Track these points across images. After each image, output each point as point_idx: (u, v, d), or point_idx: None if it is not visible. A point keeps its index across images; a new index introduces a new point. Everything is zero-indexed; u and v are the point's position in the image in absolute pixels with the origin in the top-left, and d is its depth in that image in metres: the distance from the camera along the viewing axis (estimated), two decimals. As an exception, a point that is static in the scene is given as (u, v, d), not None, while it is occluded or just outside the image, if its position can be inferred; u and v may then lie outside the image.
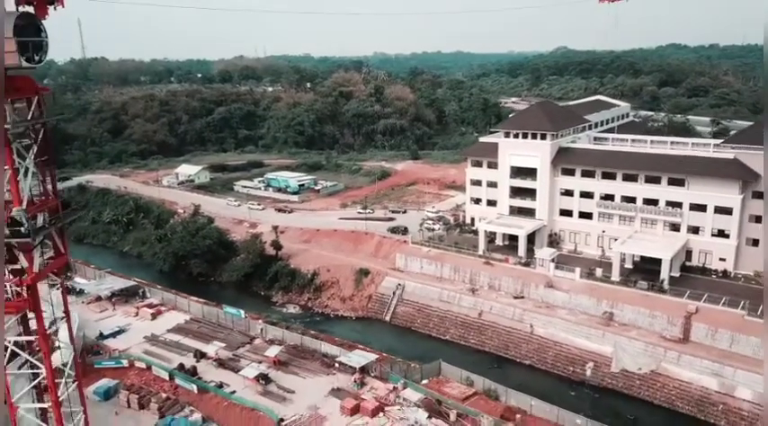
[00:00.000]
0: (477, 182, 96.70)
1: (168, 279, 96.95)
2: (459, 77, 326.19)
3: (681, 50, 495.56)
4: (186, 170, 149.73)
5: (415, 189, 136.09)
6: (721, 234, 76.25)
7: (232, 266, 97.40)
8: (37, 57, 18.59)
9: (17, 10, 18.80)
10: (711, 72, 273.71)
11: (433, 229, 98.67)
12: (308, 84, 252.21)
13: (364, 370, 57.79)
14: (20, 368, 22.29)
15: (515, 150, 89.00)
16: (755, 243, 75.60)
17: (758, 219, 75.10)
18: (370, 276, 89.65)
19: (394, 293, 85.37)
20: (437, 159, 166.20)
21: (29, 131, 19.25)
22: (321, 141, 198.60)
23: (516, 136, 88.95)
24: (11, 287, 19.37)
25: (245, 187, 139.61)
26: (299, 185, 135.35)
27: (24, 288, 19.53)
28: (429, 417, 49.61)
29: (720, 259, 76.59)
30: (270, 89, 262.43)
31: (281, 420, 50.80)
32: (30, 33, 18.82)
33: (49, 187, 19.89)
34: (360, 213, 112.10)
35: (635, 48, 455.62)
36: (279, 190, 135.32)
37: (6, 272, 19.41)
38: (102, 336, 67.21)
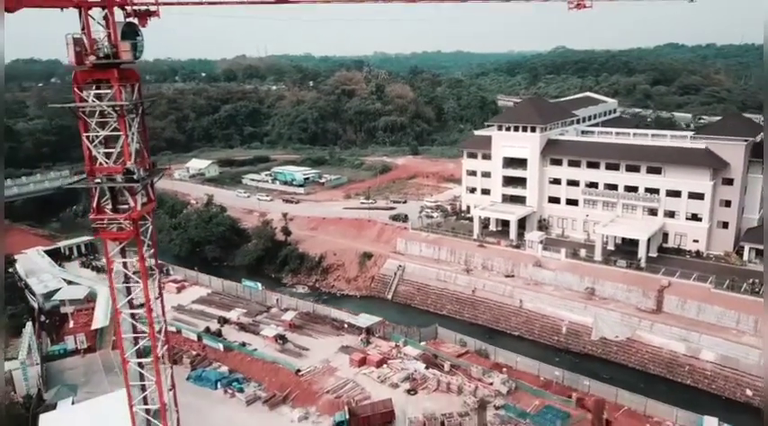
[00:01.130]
0: (472, 173, 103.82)
1: (184, 263, 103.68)
2: (458, 76, 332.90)
3: (678, 50, 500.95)
4: (196, 164, 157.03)
5: (414, 182, 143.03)
6: (694, 217, 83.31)
7: (244, 251, 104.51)
8: (138, 55, 25.76)
9: (124, 20, 26.02)
10: (703, 71, 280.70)
11: (432, 216, 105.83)
12: (311, 83, 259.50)
13: (369, 331, 65.11)
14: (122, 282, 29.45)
15: (507, 142, 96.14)
16: (725, 225, 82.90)
17: (728, 204, 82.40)
18: (373, 259, 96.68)
19: (395, 274, 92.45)
20: (436, 154, 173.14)
21: (133, 108, 26.39)
22: (324, 137, 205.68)
23: (508, 129, 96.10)
24: (120, 222, 26.52)
25: (253, 180, 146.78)
26: (305, 178, 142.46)
27: (130, 221, 26.65)
28: (426, 368, 56.90)
29: (694, 240, 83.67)
30: (274, 87, 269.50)
31: (298, 370, 58.13)
32: (131, 37, 26.03)
33: (144, 151, 26.93)
34: (363, 203, 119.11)
35: (633, 47, 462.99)
36: (285, 183, 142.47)
37: (114, 210, 26.64)
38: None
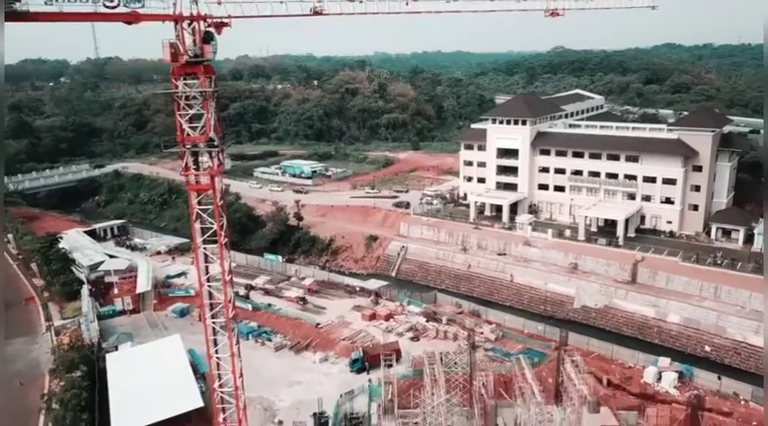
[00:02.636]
0: (469, 163, 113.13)
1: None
2: (457, 76, 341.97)
3: (675, 50, 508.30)
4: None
5: (415, 174, 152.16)
6: (668, 201, 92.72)
7: (259, 235, 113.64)
8: (215, 55, 35.05)
9: (204, 29, 35.22)
10: (694, 70, 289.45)
11: (432, 203, 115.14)
12: (315, 82, 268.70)
13: (378, 294, 74.47)
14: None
15: (501, 134, 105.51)
16: (696, 208, 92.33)
17: (697, 188, 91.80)
18: (378, 241, 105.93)
19: (398, 254, 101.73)
20: (436, 149, 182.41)
21: (212, 93, 35.63)
22: (329, 134, 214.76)
23: (501, 122, 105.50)
24: (200, 177, 35.95)
25: (264, 173, 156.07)
26: (312, 171, 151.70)
27: (209, 177, 35.96)
28: (427, 321, 66.18)
29: (668, 221, 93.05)
30: (279, 86, 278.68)
31: (318, 324, 67.55)
32: (210, 41, 35.36)
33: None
34: (368, 193, 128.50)
35: (631, 47, 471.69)
36: (294, 175, 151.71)
37: (197, 169, 35.94)
38: (168, 277, 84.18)
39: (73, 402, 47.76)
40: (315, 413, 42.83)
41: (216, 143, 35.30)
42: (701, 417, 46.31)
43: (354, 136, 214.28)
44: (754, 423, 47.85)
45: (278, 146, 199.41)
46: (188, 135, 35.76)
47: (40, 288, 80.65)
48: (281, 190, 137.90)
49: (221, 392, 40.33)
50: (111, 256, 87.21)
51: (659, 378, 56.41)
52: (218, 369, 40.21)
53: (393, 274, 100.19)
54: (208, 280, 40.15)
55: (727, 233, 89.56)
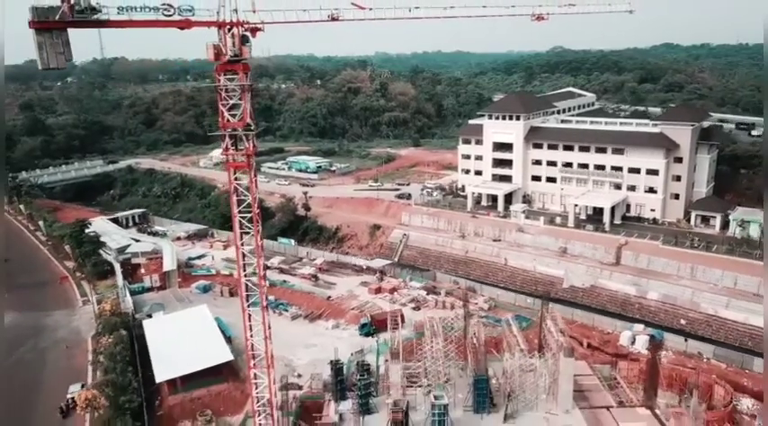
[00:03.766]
0: (467, 156, 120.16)
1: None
2: (457, 75, 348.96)
3: (673, 50, 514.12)
4: (219, 154, 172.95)
5: (416, 169, 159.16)
6: (651, 190, 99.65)
7: (269, 224, 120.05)
8: (250, 55, 42.10)
9: (241, 33, 42.27)
10: (687, 70, 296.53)
11: (432, 195, 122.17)
12: (318, 82, 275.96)
13: (383, 272, 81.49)
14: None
15: (496, 129, 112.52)
16: (677, 196, 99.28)
17: (678, 178, 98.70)
18: (382, 229, 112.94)
19: (400, 241, 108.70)
20: (436, 146, 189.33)
21: (249, 87, 42.69)
22: (332, 132, 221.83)
23: (497, 118, 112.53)
24: (239, 156, 42.96)
25: (271, 168, 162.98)
26: (318, 167, 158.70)
27: (245, 156, 43.02)
28: (427, 294, 73.21)
29: (651, 209, 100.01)
30: (283, 86, 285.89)
31: (329, 297, 74.66)
32: (246, 43, 42.43)
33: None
34: (371, 186, 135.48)
35: (629, 47, 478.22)
36: (300, 170, 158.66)
37: (236, 150, 43.00)
38: (190, 258, 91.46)
39: (121, 355, 54.85)
40: (331, 361, 49.72)
41: (252, 127, 42.35)
42: (659, 362, 53.34)
43: (357, 133, 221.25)
44: (713, 375, 54.79)
45: (283, 143, 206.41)
46: (228, 121, 42.72)
47: (72, 269, 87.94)
48: (288, 184, 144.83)
49: (252, 341, 47.47)
50: (135, 240, 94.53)
51: (633, 342, 63.45)
52: (250, 321, 47.37)
53: (396, 260, 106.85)
54: (242, 244, 47.23)
55: (705, 219, 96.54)
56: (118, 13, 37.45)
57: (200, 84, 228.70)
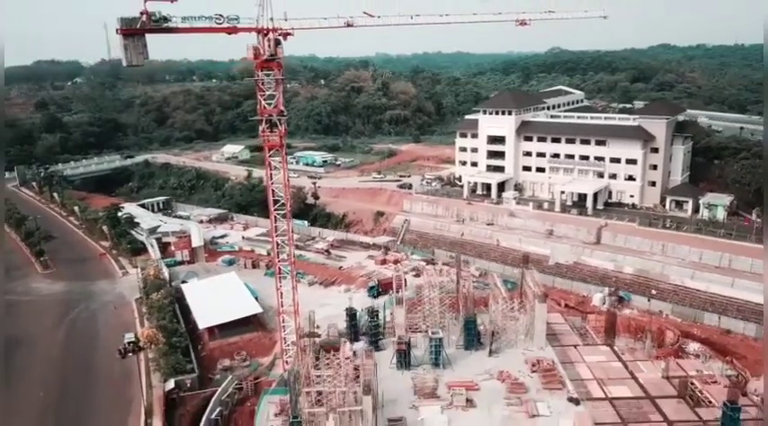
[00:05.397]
0: (463, 149, 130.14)
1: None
2: (456, 75, 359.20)
3: (670, 50, 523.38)
4: (230, 149, 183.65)
5: (416, 163, 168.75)
6: (630, 178, 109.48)
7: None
8: (282, 55, 52.01)
9: (275, 38, 52.16)
10: (678, 69, 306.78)
11: (431, 184, 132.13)
12: (322, 81, 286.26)
13: (387, 248, 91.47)
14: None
15: (490, 123, 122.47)
16: (653, 184, 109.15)
17: (655, 167, 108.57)
18: (385, 216, 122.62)
19: (402, 226, 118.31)
20: (435, 142, 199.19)
21: (281, 80, 52.65)
22: (336, 129, 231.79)
23: (491, 113, 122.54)
24: (272, 136, 52.94)
25: (281, 162, 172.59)
26: (324, 161, 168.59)
27: (278, 136, 52.99)
28: (426, 264, 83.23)
29: (630, 195, 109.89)
30: (289, 85, 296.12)
31: (341, 267, 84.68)
32: (279, 45, 52.39)
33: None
34: (375, 178, 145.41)
35: (627, 48, 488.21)
36: (307, 164, 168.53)
37: (270, 132, 52.91)
38: (214, 237, 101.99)
39: (168, 307, 64.85)
40: (347, 308, 59.47)
41: (284, 113, 52.37)
42: (617, 312, 63.46)
43: (360, 130, 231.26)
44: (665, 323, 64.69)
45: (289, 139, 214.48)
46: (265, 108, 52.71)
47: (108, 247, 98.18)
48: (297, 177, 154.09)
49: (282, 291, 57.54)
50: (164, 222, 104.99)
51: (604, 302, 73.36)
52: (280, 273, 57.46)
53: (398, 242, 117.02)
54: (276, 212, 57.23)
55: (679, 204, 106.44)
56: (182, 21, 47.69)
57: (237, 81, 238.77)
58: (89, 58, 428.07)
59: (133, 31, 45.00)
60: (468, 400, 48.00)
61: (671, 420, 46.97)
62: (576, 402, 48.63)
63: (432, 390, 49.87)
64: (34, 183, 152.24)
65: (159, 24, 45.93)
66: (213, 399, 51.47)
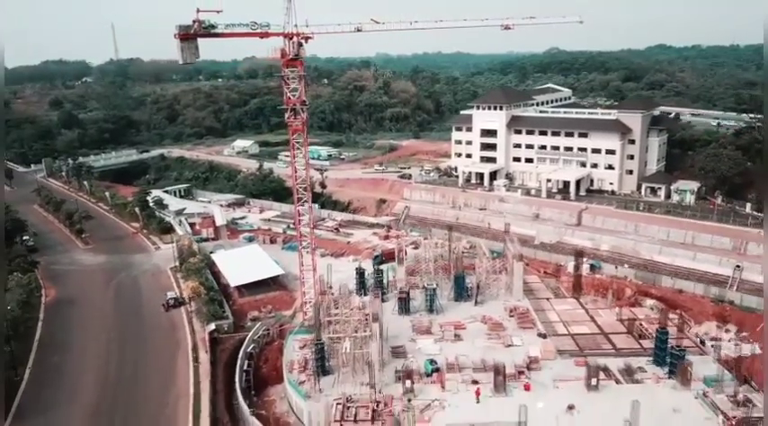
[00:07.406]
0: (459, 142, 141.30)
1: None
2: (455, 75, 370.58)
3: (666, 50, 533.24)
4: (240, 144, 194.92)
5: (416, 157, 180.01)
6: (610, 167, 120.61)
7: (290, 200, 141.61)
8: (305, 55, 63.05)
9: (298, 41, 63.23)
10: (668, 69, 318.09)
11: (430, 175, 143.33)
12: (326, 80, 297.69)
13: (389, 227, 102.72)
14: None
15: (483, 118, 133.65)
16: (631, 172, 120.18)
17: (632, 157, 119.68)
18: (387, 203, 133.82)
19: (403, 212, 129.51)
20: (434, 138, 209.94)
21: (303, 76, 63.72)
22: (339, 126, 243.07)
23: (484, 108, 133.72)
24: (295, 122, 63.99)
25: (287, 156, 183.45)
26: (329, 155, 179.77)
27: (301, 121, 64.15)
28: (424, 239, 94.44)
29: (610, 183, 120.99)
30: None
31: (348, 242, 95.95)
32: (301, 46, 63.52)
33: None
34: (377, 170, 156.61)
35: (624, 48, 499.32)
36: (313, 158, 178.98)
37: (293, 118, 63.97)
38: (234, 218, 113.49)
39: (204, 269, 76.12)
40: (357, 267, 70.49)
41: (307, 103, 63.59)
42: (582, 271, 74.93)
43: (362, 127, 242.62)
44: (626, 285, 75.89)
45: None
46: (290, 99, 63.91)
47: (139, 228, 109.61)
48: (304, 169, 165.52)
49: (302, 251, 68.82)
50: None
51: (577, 269, 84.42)
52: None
53: (400, 224, 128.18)
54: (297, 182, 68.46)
55: (654, 190, 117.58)
56: (225, 28, 58.93)
57: (263, 79, 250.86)
58: (92, 58, 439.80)
59: (188, 35, 56.21)
60: (456, 335, 59.14)
61: (619, 348, 58.16)
62: (543, 336, 59.78)
63: (427, 328, 60.98)
64: (63, 173, 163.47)
65: (208, 31, 57.16)
66: (247, 338, 62.74)
